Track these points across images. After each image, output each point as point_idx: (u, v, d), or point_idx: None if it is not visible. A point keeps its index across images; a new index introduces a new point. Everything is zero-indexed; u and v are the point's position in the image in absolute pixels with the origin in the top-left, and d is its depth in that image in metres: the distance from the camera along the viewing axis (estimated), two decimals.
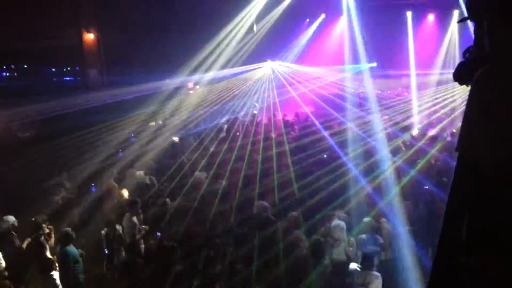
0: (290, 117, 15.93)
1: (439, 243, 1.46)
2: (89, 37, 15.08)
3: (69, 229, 6.73)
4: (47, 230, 6.94)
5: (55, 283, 6.33)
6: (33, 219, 7.06)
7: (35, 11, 12.92)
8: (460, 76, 1.71)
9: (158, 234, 7.13)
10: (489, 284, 1.36)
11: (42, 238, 6.73)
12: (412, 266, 5.85)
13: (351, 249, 6.60)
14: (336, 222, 6.79)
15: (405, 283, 5.91)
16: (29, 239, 6.85)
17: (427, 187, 8.47)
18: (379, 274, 5.77)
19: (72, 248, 6.52)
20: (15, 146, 11.30)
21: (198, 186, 8.78)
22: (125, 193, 8.58)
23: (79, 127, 12.47)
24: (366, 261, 5.81)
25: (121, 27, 14.67)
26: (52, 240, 6.94)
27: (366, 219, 7.06)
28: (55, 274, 6.37)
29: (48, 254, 6.62)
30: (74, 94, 12.93)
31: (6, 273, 6.28)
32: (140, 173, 9.80)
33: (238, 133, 13.32)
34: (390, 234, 6.98)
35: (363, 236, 6.83)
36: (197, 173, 9.45)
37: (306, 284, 5.68)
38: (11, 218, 7.00)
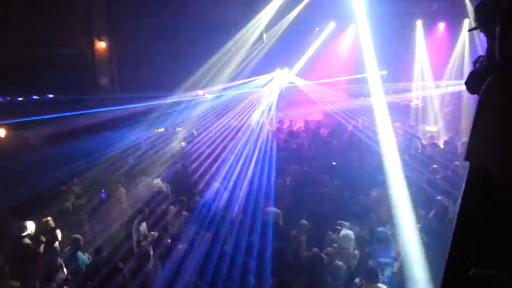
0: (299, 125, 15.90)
1: (449, 254, 1.43)
2: (101, 45, 15.21)
3: (78, 235, 6.80)
4: (59, 234, 7.02)
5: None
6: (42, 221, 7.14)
7: (47, 19, 13.09)
8: (472, 85, 1.69)
9: (168, 240, 7.13)
10: None
11: (52, 241, 6.81)
12: (422, 278, 5.75)
13: (354, 261, 6.52)
14: (345, 231, 6.74)
15: None
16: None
17: (439, 198, 8.34)
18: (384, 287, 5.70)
19: (80, 254, 6.63)
20: (27, 152, 11.37)
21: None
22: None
23: (90, 132, 12.51)
24: (369, 274, 5.80)
25: (132, 36, 14.79)
26: (57, 243, 6.99)
27: (379, 229, 6.98)
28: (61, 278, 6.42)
29: (59, 259, 6.68)
30: (86, 102, 12.99)
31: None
32: (157, 180, 9.78)
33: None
34: (404, 244, 6.88)
35: (376, 246, 6.75)
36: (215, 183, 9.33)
37: None
38: (31, 225, 7.00)
